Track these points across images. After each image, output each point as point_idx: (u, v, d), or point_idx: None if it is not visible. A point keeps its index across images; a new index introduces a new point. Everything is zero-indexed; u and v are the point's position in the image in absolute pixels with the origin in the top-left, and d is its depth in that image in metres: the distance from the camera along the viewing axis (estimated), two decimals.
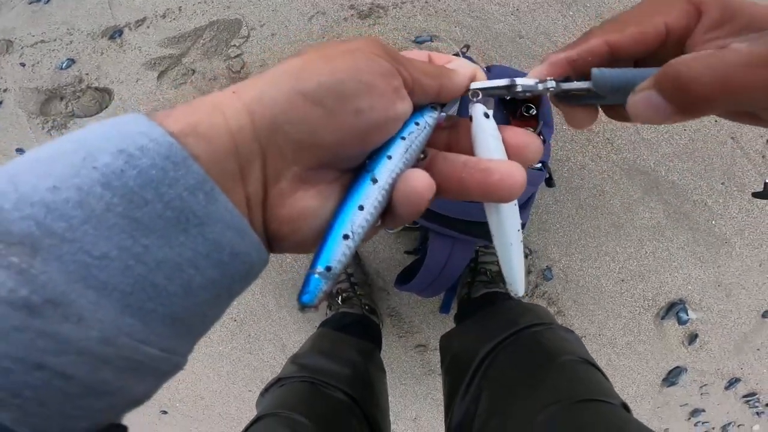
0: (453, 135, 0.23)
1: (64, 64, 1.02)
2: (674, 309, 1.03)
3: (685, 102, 0.18)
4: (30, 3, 1.03)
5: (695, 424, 1.19)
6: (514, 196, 0.20)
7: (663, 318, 1.04)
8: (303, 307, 0.20)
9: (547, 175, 0.73)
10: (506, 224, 0.22)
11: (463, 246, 0.70)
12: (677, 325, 1.05)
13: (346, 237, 0.19)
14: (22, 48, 1.03)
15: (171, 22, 1.00)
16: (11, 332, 0.13)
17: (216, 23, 0.99)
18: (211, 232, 0.16)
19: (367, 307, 0.91)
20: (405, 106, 0.20)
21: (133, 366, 0.16)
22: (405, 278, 0.81)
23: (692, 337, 1.07)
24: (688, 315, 1.03)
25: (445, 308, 0.97)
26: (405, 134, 0.19)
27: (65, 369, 0.14)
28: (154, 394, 0.18)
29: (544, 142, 0.74)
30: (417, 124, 0.20)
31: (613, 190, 0.95)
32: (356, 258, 0.98)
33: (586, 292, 1.02)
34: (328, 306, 0.95)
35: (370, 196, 0.19)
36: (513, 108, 0.79)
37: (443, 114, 0.21)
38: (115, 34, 1.01)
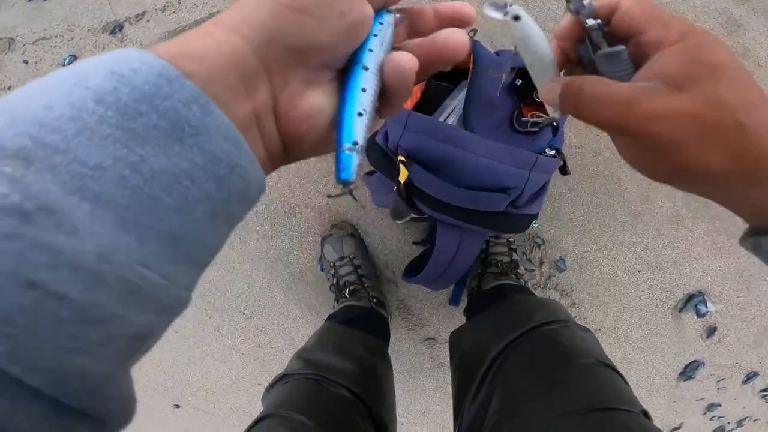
0: (410, 29, 0.26)
1: (66, 60, 1.02)
2: (693, 301, 1.00)
3: (569, 110, 0.26)
4: (29, 0, 1.03)
5: (710, 419, 1.17)
6: (459, 53, 0.23)
7: (681, 310, 1.01)
8: (344, 184, 0.21)
9: (562, 163, 0.70)
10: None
11: (472, 237, 0.68)
12: (695, 317, 1.02)
13: (360, 114, 0.22)
14: (24, 45, 1.03)
15: (171, 15, 0.99)
16: (1, 241, 0.12)
17: (216, 14, 0.98)
18: (207, 142, 0.17)
19: (375, 300, 0.89)
20: (370, 8, 0.22)
21: (130, 290, 0.15)
22: (413, 270, 0.79)
23: (711, 331, 1.04)
24: (707, 307, 1.00)
25: (454, 300, 0.95)
26: (375, 32, 0.23)
27: (58, 287, 0.13)
28: (159, 334, 0.17)
29: (557, 129, 0.71)
30: (381, 23, 0.23)
31: (630, 178, 0.91)
32: (363, 250, 0.97)
33: (601, 284, 0.99)
34: (335, 299, 0.94)
35: (367, 79, 0.22)
36: (524, 94, 0.76)
37: (397, 15, 0.25)
38: (116, 29, 1.01)
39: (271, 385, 0.66)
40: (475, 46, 0.67)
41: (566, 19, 0.27)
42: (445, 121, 0.70)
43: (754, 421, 1.20)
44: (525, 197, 0.63)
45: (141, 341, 0.16)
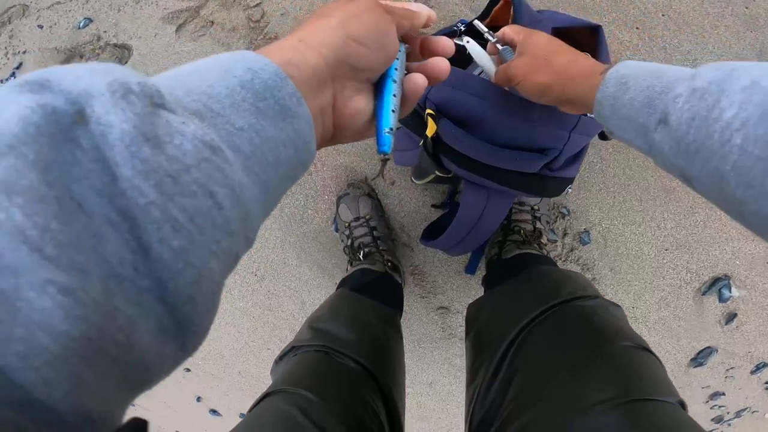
0: (414, 55, 0.37)
1: (81, 23, 0.99)
2: (717, 285, 0.96)
3: (505, 84, 0.52)
4: None
5: (711, 407, 1.16)
6: (442, 75, 0.35)
7: (704, 293, 0.98)
8: (384, 155, 0.32)
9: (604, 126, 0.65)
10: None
11: (500, 199, 0.64)
12: (717, 302, 0.99)
13: (393, 111, 0.32)
14: (38, 11, 1.01)
15: None
16: (202, 162, 0.18)
17: None
18: (297, 123, 0.24)
19: (389, 264, 0.87)
20: (398, 43, 0.33)
21: (243, 216, 0.20)
22: (432, 234, 0.77)
23: (730, 317, 1.01)
24: (730, 292, 0.97)
25: (470, 269, 0.93)
26: (398, 56, 0.33)
27: (222, 200, 0.19)
28: (231, 269, 0.21)
29: None
30: (400, 51, 0.34)
31: None
32: (380, 211, 0.94)
33: (625, 260, 0.96)
34: (348, 261, 0.92)
35: (396, 89, 0.32)
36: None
37: (406, 45, 0.35)
38: None
39: (281, 357, 0.64)
40: (516, 3, 0.62)
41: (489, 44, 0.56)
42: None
43: (753, 412, 1.18)
44: (562, 159, 0.59)
45: (235, 261, 0.21)
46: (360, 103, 0.30)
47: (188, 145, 0.18)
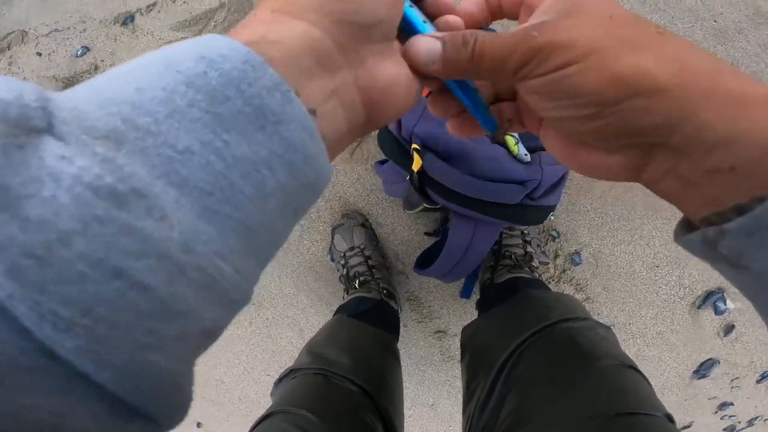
0: None
1: (79, 52, 1.02)
2: (711, 298, 0.97)
3: (458, 69, 0.25)
4: None
5: (721, 418, 1.16)
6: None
7: (699, 307, 0.99)
8: (494, 136, 0.26)
9: None
10: None
11: (486, 229, 0.66)
12: (713, 315, 0.99)
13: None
14: (37, 38, 1.04)
15: (182, 5, 0.98)
16: (93, 224, 0.12)
17: (227, 4, 0.97)
18: (286, 130, 0.17)
19: (385, 291, 0.88)
20: None
21: (206, 282, 0.14)
22: (425, 262, 0.78)
23: (728, 328, 1.01)
24: (725, 305, 0.98)
25: (465, 293, 0.94)
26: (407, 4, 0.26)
27: (144, 277, 0.13)
28: (222, 331, 0.16)
29: None
30: None
31: None
32: (374, 240, 0.96)
33: (618, 279, 0.97)
34: (345, 290, 0.93)
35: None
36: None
37: None
38: (127, 20, 1.00)
39: (280, 379, 0.66)
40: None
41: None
42: None
43: (765, 420, 1.18)
44: (542, 189, 0.61)
45: (209, 337, 0.16)
46: (392, 69, 0.23)
47: (65, 198, 0.12)
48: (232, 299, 0.16)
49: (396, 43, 0.24)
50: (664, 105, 0.18)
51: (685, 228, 0.22)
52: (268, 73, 0.16)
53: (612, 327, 1.00)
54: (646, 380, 0.49)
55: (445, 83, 0.26)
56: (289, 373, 0.64)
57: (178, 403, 0.16)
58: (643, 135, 0.20)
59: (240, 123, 0.15)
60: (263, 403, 1.40)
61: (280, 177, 0.16)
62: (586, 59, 0.20)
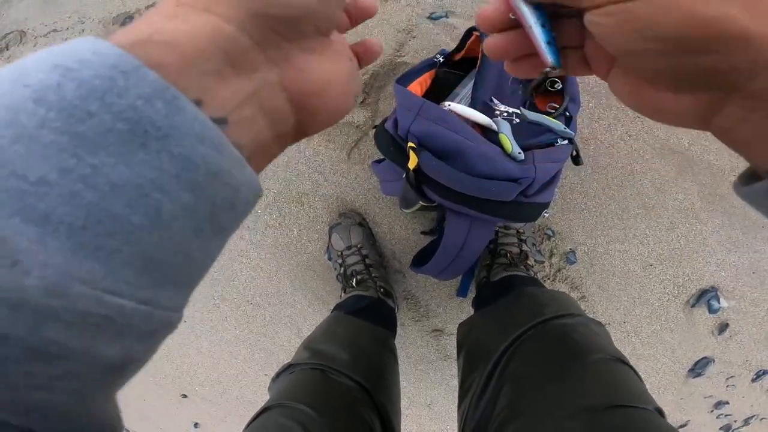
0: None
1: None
2: (705, 296, 0.98)
3: None
4: None
5: (717, 417, 1.17)
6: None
7: (693, 306, 1.00)
8: (553, 68, 0.25)
9: (574, 153, 0.69)
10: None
11: (482, 226, 0.67)
12: (707, 313, 1.00)
13: (543, 26, 0.24)
14: (35, 38, 1.05)
15: None
16: None
17: None
18: (178, 146, 0.14)
19: (382, 290, 0.89)
20: None
21: (96, 322, 0.13)
22: (421, 260, 0.79)
23: (722, 327, 1.02)
24: (719, 303, 0.98)
25: (462, 292, 0.94)
26: None
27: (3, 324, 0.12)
28: (146, 358, 0.15)
29: (570, 118, 0.70)
30: None
31: (644, 170, 0.90)
32: (371, 239, 0.96)
33: (612, 277, 0.98)
34: (342, 288, 0.94)
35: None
36: (537, 84, 0.75)
37: None
38: (126, 20, 1.01)
39: (278, 375, 0.66)
40: (484, 35, 0.66)
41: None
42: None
43: (761, 419, 1.18)
44: (536, 186, 0.62)
45: (119, 370, 0.15)
46: (326, 67, 0.21)
47: None
48: (146, 330, 0.14)
49: (335, 36, 0.22)
50: (751, 51, 0.18)
51: (750, 179, 0.21)
52: (146, 78, 0.14)
53: (607, 326, 1.01)
54: (638, 375, 0.50)
55: (515, 3, 0.24)
56: (287, 368, 0.65)
57: (93, 427, 0.15)
58: (722, 78, 0.19)
59: (112, 143, 0.13)
60: (260, 402, 1.38)
61: (179, 199, 0.14)
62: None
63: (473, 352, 0.64)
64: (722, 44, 0.18)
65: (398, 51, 0.90)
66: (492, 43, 0.25)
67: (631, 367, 0.51)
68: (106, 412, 0.15)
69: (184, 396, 1.37)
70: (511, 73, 0.27)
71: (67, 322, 0.12)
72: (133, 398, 1.43)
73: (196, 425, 1.45)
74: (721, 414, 1.16)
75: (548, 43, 0.24)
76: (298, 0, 0.18)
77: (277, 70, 0.19)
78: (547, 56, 0.24)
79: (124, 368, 0.15)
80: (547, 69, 0.25)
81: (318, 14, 0.19)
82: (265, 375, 1.23)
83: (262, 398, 0.59)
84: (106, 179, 0.13)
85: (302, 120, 0.21)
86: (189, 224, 0.15)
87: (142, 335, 0.14)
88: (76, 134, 0.12)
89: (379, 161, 0.77)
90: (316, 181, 0.97)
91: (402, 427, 0.70)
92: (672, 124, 0.23)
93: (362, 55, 0.26)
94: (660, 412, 0.45)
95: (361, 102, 0.91)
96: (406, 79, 0.72)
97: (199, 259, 0.16)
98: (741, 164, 0.88)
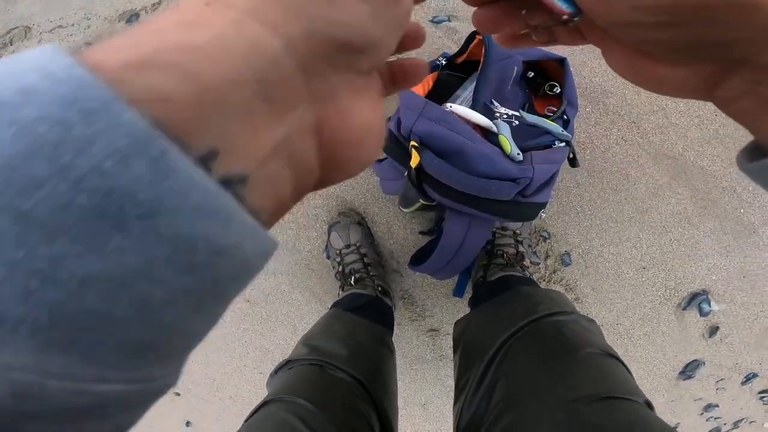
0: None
1: (82, 49, 1.03)
2: (696, 300, 1.00)
3: None
4: None
5: (707, 420, 1.18)
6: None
7: (684, 309, 1.01)
8: (574, 15, 0.22)
9: (571, 155, 0.70)
10: None
11: (480, 225, 0.68)
12: (698, 316, 1.02)
13: None
14: (40, 33, 1.04)
15: None
16: None
17: None
18: (169, 226, 0.10)
19: (380, 289, 0.89)
20: None
21: (82, 412, 0.11)
22: (419, 259, 0.80)
23: (713, 330, 1.04)
24: (710, 306, 1.00)
25: (458, 292, 0.95)
26: None
27: None
28: (138, 420, 0.14)
29: (567, 121, 0.71)
30: None
31: (638, 174, 0.91)
32: (370, 238, 0.97)
33: (606, 280, 0.99)
34: (340, 287, 0.94)
35: None
36: (536, 87, 0.76)
37: None
38: (132, 17, 1.01)
39: (276, 371, 0.67)
40: (487, 39, 0.68)
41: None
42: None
43: (750, 422, 1.20)
44: (533, 186, 0.63)
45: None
46: (367, 114, 0.17)
47: None
48: (140, 403, 0.13)
49: (376, 75, 0.18)
50: (760, 20, 0.16)
51: (754, 152, 0.20)
52: (119, 122, 0.09)
53: (600, 327, 1.03)
54: (628, 370, 0.52)
55: None
56: (286, 363, 0.65)
57: None
58: (726, 50, 0.18)
59: (73, 225, 0.09)
60: (255, 401, 1.37)
61: (174, 285, 0.11)
62: None
63: (469, 350, 0.65)
64: (727, 14, 0.16)
65: (400, 54, 0.91)
66: (481, 15, 0.23)
67: (621, 361, 0.52)
68: None
69: (177, 394, 1.36)
70: (501, 45, 0.26)
71: (47, 419, 0.11)
72: None
73: (188, 424, 1.44)
74: (711, 417, 1.18)
75: None
76: (368, 27, 0.15)
77: (315, 110, 0.15)
78: (563, 7, 0.21)
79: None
80: (565, 17, 0.22)
81: (382, 47, 0.16)
82: (260, 374, 1.22)
83: (257, 397, 0.59)
84: (70, 274, 0.09)
85: (327, 170, 0.16)
86: (187, 305, 0.12)
87: (137, 408, 0.13)
88: (19, 214, 0.09)
89: (380, 160, 0.78)
90: None
91: (398, 426, 0.70)
92: (670, 95, 0.21)
93: (399, 78, 0.22)
94: (649, 404, 0.46)
95: None
96: None
97: (200, 329, 0.13)
98: (734, 170, 0.90)
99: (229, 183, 0.12)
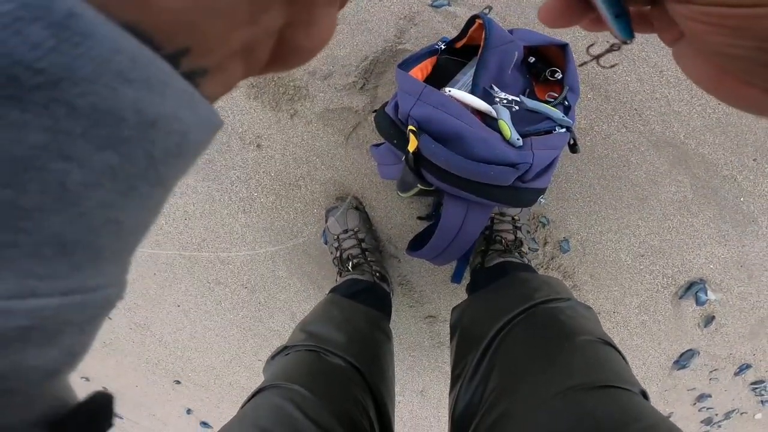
0: None
1: None
2: (693, 288, 1.00)
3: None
4: None
5: (699, 410, 1.19)
6: None
7: (681, 297, 1.02)
8: (626, 41, 0.21)
9: (572, 141, 0.69)
10: None
11: (479, 210, 0.68)
12: (695, 305, 1.02)
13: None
14: None
15: None
16: None
17: None
18: (83, 94, 0.09)
19: (377, 274, 0.89)
20: None
21: (16, 337, 0.10)
22: (417, 244, 0.79)
23: (708, 319, 1.04)
24: (707, 295, 1.01)
25: (456, 278, 0.95)
26: None
27: None
28: (91, 342, 0.13)
29: (569, 107, 0.70)
30: None
31: (639, 162, 0.91)
32: (367, 223, 0.97)
33: (604, 267, 0.99)
34: (338, 272, 0.94)
35: None
36: (537, 72, 0.75)
37: None
38: None
39: (273, 357, 0.67)
40: (487, 23, 0.67)
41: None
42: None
43: (742, 414, 1.21)
44: (533, 172, 0.62)
45: (62, 370, 0.12)
46: (331, 21, 0.16)
47: None
48: (84, 321, 0.12)
49: None
50: None
51: None
52: None
53: (597, 314, 1.03)
54: (624, 358, 0.52)
55: None
56: (283, 350, 0.66)
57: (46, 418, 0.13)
58: None
59: None
60: (252, 387, 1.40)
61: (97, 162, 0.10)
62: None
63: (465, 337, 0.65)
64: None
65: (399, 38, 0.90)
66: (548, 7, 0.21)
67: (617, 349, 0.52)
68: (56, 405, 0.13)
69: (178, 382, 1.37)
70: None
71: None
72: (125, 385, 1.43)
73: (189, 411, 1.45)
74: (704, 407, 1.19)
75: (617, 17, 0.20)
76: None
77: (286, 13, 0.14)
78: (617, 32, 0.21)
79: (67, 365, 0.12)
80: (617, 42, 0.21)
81: None
82: (259, 360, 1.23)
83: (256, 384, 0.59)
84: None
85: (271, 64, 0.16)
86: (114, 188, 0.11)
87: (79, 327, 0.12)
88: None
89: (377, 145, 0.77)
90: (313, 165, 0.97)
91: (395, 413, 0.71)
92: (753, 114, 0.20)
93: None
94: (644, 394, 0.46)
95: (360, 87, 0.91)
96: (407, 64, 0.72)
97: (134, 221, 0.12)
98: (735, 159, 0.89)
99: (190, 75, 0.12)
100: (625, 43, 0.21)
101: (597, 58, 0.25)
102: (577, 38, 0.86)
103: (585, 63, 0.27)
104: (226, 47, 0.13)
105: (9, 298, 0.10)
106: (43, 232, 0.10)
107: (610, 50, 0.22)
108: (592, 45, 0.31)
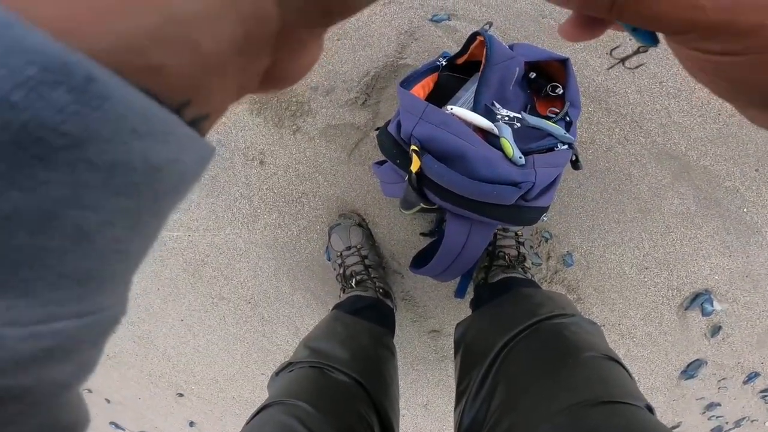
0: None
1: None
2: (699, 299, 0.99)
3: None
4: None
5: (709, 418, 1.18)
6: None
7: (687, 309, 1.01)
8: (646, 46, 0.21)
9: (574, 157, 0.69)
10: None
11: (482, 228, 0.68)
12: (701, 316, 1.02)
13: None
14: None
15: None
16: None
17: None
18: (102, 153, 0.10)
19: (381, 290, 0.89)
20: None
21: (40, 357, 0.11)
22: (420, 261, 0.79)
23: (715, 330, 1.04)
24: (713, 306, 1.00)
25: (460, 293, 0.95)
26: None
27: None
28: (100, 355, 0.14)
29: (570, 123, 0.70)
30: None
31: (641, 174, 0.91)
32: (371, 240, 0.97)
33: (608, 280, 0.99)
34: (341, 289, 0.94)
35: None
36: (538, 87, 0.75)
37: None
38: None
39: (277, 373, 0.67)
40: (488, 40, 0.67)
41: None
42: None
43: (752, 421, 1.20)
44: (536, 190, 0.62)
45: (76, 382, 0.13)
46: (316, 53, 0.17)
47: None
48: (96, 337, 0.13)
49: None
50: None
51: None
52: (24, 48, 0.08)
53: (602, 327, 1.02)
54: (629, 373, 0.51)
55: None
56: (287, 366, 0.65)
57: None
58: None
59: None
60: (257, 402, 1.39)
61: (110, 207, 0.11)
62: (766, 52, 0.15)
63: (470, 353, 0.65)
64: None
65: (400, 53, 0.90)
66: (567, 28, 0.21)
67: (622, 365, 0.52)
68: (71, 412, 0.14)
69: (180, 395, 1.37)
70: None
71: (9, 371, 0.11)
72: (128, 397, 1.42)
73: (191, 424, 1.45)
74: (713, 416, 1.18)
75: (634, 30, 0.20)
76: None
77: (273, 54, 0.15)
78: (640, 42, 0.21)
79: (80, 378, 0.13)
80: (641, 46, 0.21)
81: (360, 9, 0.15)
82: (263, 374, 1.23)
83: (259, 398, 0.59)
84: None
85: (256, 90, 0.17)
86: (124, 225, 0.12)
87: (91, 343, 0.13)
88: None
89: (380, 163, 0.78)
90: (316, 182, 0.97)
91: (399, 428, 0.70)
92: (760, 126, 0.20)
93: None
94: (650, 408, 0.46)
95: (362, 103, 0.92)
96: (409, 82, 0.73)
97: (138, 249, 0.13)
98: (738, 170, 0.89)
99: (193, 122, 0.13)
100: (647, 48, 0.21)
101: (623, 60, 0.25)
102: (577, 52, 0.87)
103: (612, 66, 0.27)
104: (222, 94, 0.14)
105: (36, 323, 0.11)
106: (63, 267, 0.11)
107: (637, 52, 0.21)
108: (616, 48, 0.31)
